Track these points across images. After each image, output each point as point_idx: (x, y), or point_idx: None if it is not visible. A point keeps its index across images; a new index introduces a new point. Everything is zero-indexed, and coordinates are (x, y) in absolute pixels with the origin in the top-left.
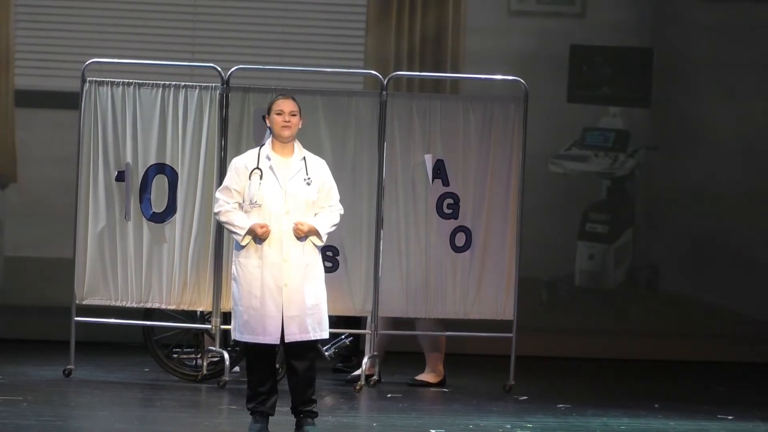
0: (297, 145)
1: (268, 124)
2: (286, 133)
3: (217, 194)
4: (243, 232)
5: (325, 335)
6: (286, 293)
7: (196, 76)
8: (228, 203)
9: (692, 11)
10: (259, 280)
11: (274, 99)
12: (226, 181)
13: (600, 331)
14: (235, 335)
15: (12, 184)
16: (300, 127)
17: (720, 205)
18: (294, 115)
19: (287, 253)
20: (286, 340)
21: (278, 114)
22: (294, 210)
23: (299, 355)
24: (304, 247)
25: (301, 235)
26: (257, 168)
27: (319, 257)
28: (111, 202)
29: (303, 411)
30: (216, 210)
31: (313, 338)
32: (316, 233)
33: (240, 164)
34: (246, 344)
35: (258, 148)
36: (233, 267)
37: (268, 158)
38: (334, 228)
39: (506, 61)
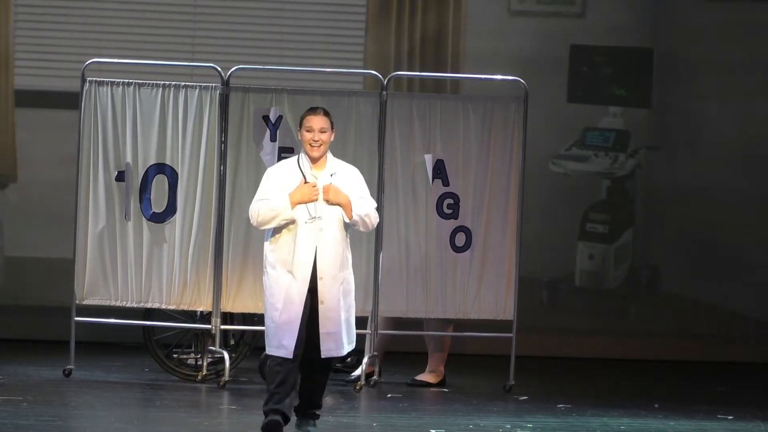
0: (329, 157)
1: (299, 138)
2: (315, 153)
3: (253, 205)
4: (287, 202)
5: (353, 345)
6: (322, 310)
7: (196, 76)
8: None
9: (692, 11)
10: (283, 293)
11: (305, 113)
12: (261, 193)
13: (600, 331)
14: (267, 349)
15: (12, 184)
16: (332, 139)
17: (720, 205)
18: (324, 131)
19: (322, 271)
20: (323, 356)
21: (308, 131)
22: (327, 227)
23: (324, 365)
24: (340, 263)
25: (328, 197)
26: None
27: (350, 269)
28: (111, 202)
29: (308, 413)
30: (253, 214)
31: (347, 352)
32: (347, 206)
33: (281, 174)
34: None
35: (296, 159)
36: (264, 276)
37: (311, 170)
38: (367, 218)
39: (506, 61)
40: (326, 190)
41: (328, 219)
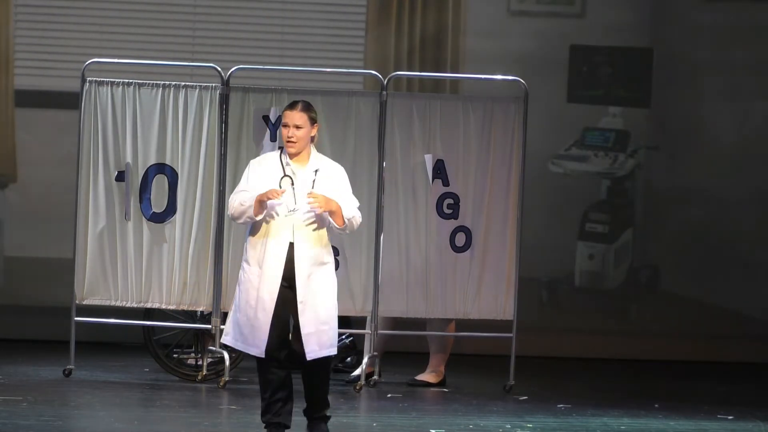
0: (313, 153)
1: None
2: (291, 149)
3: (231, 197)
4: (252, 202)
5: (335, 351)
6: (301, 310)
7: (196, 76)
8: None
9: (692, 11)
10: (255, 290)
11: (285, 107)
12: (240, 185)
13: (600, 331)
14: (225, 338)
15: (12, 184)
16: (314, 134)
17: (720, 205)
18: (300, 127)
19: (297, 269)
20: (308, 358)
21: (284, 126)
22: (304, 224)
23: (320, 363)
24: (318, 261)
25: (315, 204)
26: (286, 176)
27: (330, 268)
28: (111, 202)
29: (317, 416)
30: (229, 207)
31: (329, 354)
32: (338, 212)
33: (261, 167)
34: (256, 358)
35: (278, 153)
36: (240, 270)
37: (289, 165)
38: (354, 220)
39: (506, 61)
40: (315, 198)
41: (306, 216)
